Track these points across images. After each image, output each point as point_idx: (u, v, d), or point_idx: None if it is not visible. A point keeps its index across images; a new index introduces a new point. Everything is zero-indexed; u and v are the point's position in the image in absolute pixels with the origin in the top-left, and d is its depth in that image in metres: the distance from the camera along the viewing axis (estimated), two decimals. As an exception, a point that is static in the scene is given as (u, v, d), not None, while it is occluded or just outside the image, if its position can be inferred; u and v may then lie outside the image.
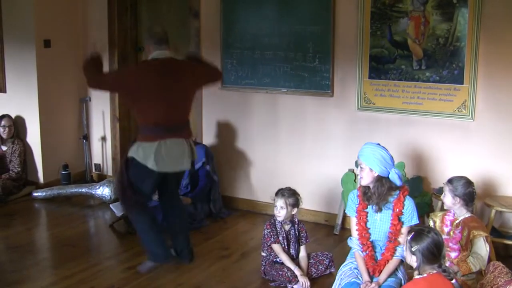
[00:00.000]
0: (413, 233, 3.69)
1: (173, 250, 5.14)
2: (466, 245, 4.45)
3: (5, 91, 7.69)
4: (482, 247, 4.45)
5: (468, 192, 4.54)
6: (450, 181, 4.61)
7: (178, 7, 7.35)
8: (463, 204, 4.55)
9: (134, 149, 4.85)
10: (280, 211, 5.11)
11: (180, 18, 7.30)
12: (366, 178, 4.39)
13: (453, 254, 4.44)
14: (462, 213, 4.56)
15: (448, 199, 4.58)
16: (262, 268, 5.18)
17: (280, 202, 5.11)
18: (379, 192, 4.37)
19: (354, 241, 4.55)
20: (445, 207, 4.72)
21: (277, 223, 5.18)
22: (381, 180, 4.35)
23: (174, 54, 5.04)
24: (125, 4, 7.60)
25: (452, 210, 4.61)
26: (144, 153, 4.78)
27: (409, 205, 4.41)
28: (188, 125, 5.09)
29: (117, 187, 5.15)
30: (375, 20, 5.82)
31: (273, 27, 6.37)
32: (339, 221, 6.15)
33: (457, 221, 4.55)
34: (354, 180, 5.86)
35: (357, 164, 5.81)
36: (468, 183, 4.58)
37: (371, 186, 4.40)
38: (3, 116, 7.45)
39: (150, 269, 5.09)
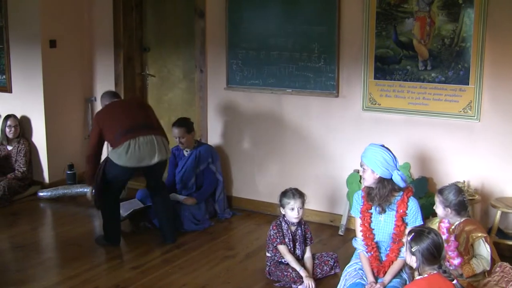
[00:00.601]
0: (413, 234, 3.69)
1: (162, 235, 6.02)
2: (466, 250, 4.44)
3: (10, 91, 7.71)
4: (483, 248, 4.44)
5: (459, 201, 4.52)
6: (440, 191, 4.59)
7: (183, 6, 7.35)
8: (455, 214, 4.53)
9: (110, 153, 5.69)
10: (300, 211, 5.09)
11: (186, 18, 7.31)
12: (368, 179, 4.40)
13: (456, 261, 4.41)
14: (457, 221, 4.55)
15: (439, 210, 4.57)
16: (267, 269, 5.18)
17: (298, 203, 5.09)
18: (380, 193, 4.37)
19: (358, 242, 4.55)
20: (438, 218, 4.71)
21: (283, 224, 5.17)
22: (383, 181, 4.35)
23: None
24: (130, 4, 7.61)
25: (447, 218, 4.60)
26: (118, 154, 5.55)
27: (413, 206, 4.41)
28: (158, 127, 5.95)
29: (96, 183, 5.80)
30: (381, 20, 5.81)
31: (278, 28, 6.37)
32: (344, 221, 6.14)
33: (452, 228, 4.54)
34: (359, 181, 5.85)
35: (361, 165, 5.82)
36: (458, 192, 4.54)
37: (373, 187, 4.39)
38: (9, 116, 7.46)
39: (102, 244, 5.91)
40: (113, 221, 5.91)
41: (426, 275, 3.59)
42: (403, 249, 4.34)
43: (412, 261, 3.66)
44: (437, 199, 4.57)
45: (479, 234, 4.44)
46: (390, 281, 4.35)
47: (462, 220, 4.53)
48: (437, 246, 3.60)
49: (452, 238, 4.45)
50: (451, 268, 4.31)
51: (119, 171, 5.64)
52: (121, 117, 5.72)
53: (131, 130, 5.62)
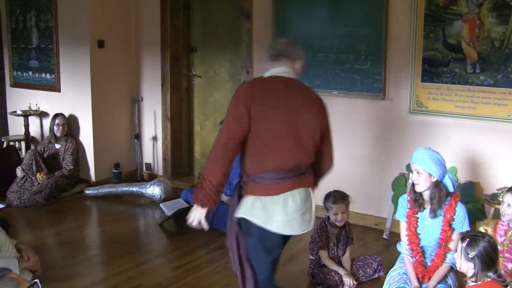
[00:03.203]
0: (468, 240, 3.55)
1: None
2: None
3: (59, 90, 7.83)
4: None
5: None
6: None
7: (230, 8, 7.37)
8: None
9: (248, 205, 3.77)
10: (343, 216, 5.09)
11: (232, 19, 7.33)
12: (423, 184, 4.28)
13: (510, 265, 4.32)
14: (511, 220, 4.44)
15: None
16: (310, 271, 5.16)
17: (341, 208, 5.08)
18: (439, 196, 4.28)
19: (403, 246, 4.49)
20: (504, 218, 4.54)
21: (328, 227, 5.15)
22: (439, 185, 4.27)
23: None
24: (177, 5, 7.66)
25: (503, 218, 4.48)
26: (265, 211, 3.73)
27: (460, 211, 4.34)
28: (311, 168, 3.99)
29: (233, 262, 4.03)
30: (429, 22, 5.74)
31: (324, 29, 6.34)
32: (388, 225, 6.09)
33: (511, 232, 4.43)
34: (405, 184, 5.80)
35: (408, 169, 5.75)
36: None
37: (428, 192, 4.31)
38: (57, 114, 7.57)
39: None
40: None
41: (480, 283, 3.48)
42: (449, 255, 4.28)
43: (470, 268, 3.52)
44: None
45: None
46: (435, 286, 4.29)
47: None
48: (494, 249, 3.49)
49: None
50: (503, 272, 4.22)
51: (267, 239, 3.81)
52: (283, 138, 3.74)
53: (294, 170, 3.79)
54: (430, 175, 4.24)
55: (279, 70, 3.89)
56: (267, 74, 3.93)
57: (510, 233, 4.42)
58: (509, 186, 5.25)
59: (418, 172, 4.31)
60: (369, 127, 6.29)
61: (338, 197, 5.10)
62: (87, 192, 7.39)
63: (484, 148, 5.70)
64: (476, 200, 5.53)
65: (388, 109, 6.13)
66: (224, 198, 6.45)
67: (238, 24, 7.12)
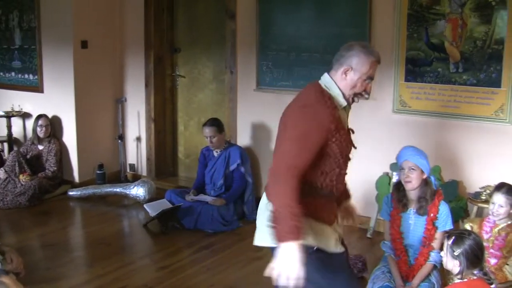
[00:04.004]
0: (453, 237, 3.56)
1: None
2: (510, 253, 4.37)
3: (42, 91, 7.80)
4: None
5: None
6: (509, 191, 4.47)
7: (214, 8, 7.37)
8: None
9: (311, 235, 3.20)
10: None
11: (216, 20, 7.32)
12: (416, 181, 4.30)
13: (493, 261, 4.36)
14: (505, 220, 4.47)
15: (503, 210, 4.46)
16: (295, 271, 5.16)
17: None
18: (430, 194, 4.32)
19: (387, 245, 4.52)
20: (495, 217, 4.55)
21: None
22: (428, 182, 4.32)
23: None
24: (161, 5, 7.65)
25: (492, 217, 4.51)
26: (325, 235, 3.32)
27: (444, 210, 4.36)
28: None
29: None
30: (412, 22, 5.77)
31: (309, 29, 6.35)
32: (372, 224, 6.11)
33: (499, 228, 4.46)
34: (389, 184, 5.82)
35: (392, 168, 5.78)
36: None
37: (416, 191, 4.34)
38: (40, 115, 7.54)
39: None
40: None
41: (466, 280, 3.50)
42: (432, 253, 4.30)
43: (455, 266, 3.54)
44: (503, 199, 4.44)
45: None
46: (419, 285, 4.30)
47: (510, 223, 4.46)
48: (480, 247, 3.50)
49: (501, 238, 4.38)
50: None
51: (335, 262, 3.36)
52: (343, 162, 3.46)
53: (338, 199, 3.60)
54: (422, 171, 4.28)
55: None
56: None
57: (496, 230, 4.46)
58: (493, 184, 5.30)
59: (412, 169, 4.33)
60: (353, 126, 6.26)
61: None
62: (70, 193, 7.36)
63: (467, 147, 5.73)
64: (459, 198, 5.56)
65: (372, 109, 6.15)
66: (208, 199, 6.46)
67: (222, 24, 7.12)
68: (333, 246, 3.31)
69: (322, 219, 3.28)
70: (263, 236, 3.32)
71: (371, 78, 3.32)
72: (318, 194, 3.26)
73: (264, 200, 3.31)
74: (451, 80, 5.67)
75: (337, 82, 3.31)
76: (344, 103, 3.32)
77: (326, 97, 3.23)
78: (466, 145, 5.74)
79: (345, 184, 3.63)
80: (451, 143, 5.79)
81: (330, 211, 3.35)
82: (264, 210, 3.27)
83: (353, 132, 3.55)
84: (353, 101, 3.38)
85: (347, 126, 3.48)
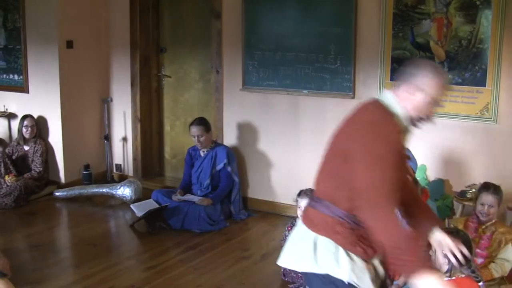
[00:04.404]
0: None
1: None
2: (496, 251, 4.39)
3: (27, 92, 7.75)
4: (510, 253, 4.39)
5: (501, 197, 4.50)
6: (496, 190, 4.50)
7: (200, 7, 7.36)
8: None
9: (348, 268, 2.92)
10: None
11: (202, 19, 7.31)
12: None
13: (479, 260, 4.38)
14: (490, 219, 4.50)
15: (494, 210, 4.49)
16: (282, 270, 5.17)
17: (304, 202, 5.10)
18: (419, 192, 4.34)
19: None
20: (484, 218, 4.57)
21: (298, 224, 5.18)
22: (417, 181, 4.34)
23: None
24: (146, 4, 7.62)
25: (482, 218, 4.53)
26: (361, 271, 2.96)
27: (429, 209, 4.38)
28: None
29: None
30: (398, 22, 5.79)
31: (295, 29, 6.36)
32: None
33: (484, 227, 4.49)
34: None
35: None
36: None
37: None
38: (26, 116, 7.50)
39: None
40: None
41: (454, 278, 3.51)
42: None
43: (444, 264, 3.55)
44: (493, 199, 4.46)
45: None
46: (406, 283, 4.32)
47: (494, 221, 4.49)
48: (468, 245, 3.52)
49: (486, 237, 4.41)
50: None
51: None
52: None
53: None
54: (414, 171, 4.31)
55: None
56: None
57: (480, 229, 4.49)
58: (479, 183, 5.34)
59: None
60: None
61: (307, 192, 5.14)
62: (57, 194, 7.33)
63: (453, 146, 5.76)
64: (445, 197, 5.59)
65: (358, 108, 6.16)
66: (195, 199, 6.46)
67: (208, 24, 7.11)
68: (367, 285, 2.94)
69: (360, 251, 2.95)
70: (292, 259, 3.12)
71: (437, 102, 2.99)
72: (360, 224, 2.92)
73: (303, 228, 3.07)
74: (436, 79, 5.68)
75: (401, 102, 2.98)
76: (407, 125, 3.01)
77: (391, 116, 2.93)
78: (451, 144, 5.77)
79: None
80: (437, 142, 5.81)
81: (368, 244, 2.95)
82: (302, 237, 3.04)
83: (409, 158, 3.29)
84: (414, 125, 3.04)
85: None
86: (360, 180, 2.78)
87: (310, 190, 5.19)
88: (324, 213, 2.97)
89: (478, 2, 5.39)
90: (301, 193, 5.17)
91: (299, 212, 5.13)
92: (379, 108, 2.96)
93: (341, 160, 2.94)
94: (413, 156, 4.49)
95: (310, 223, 3.03)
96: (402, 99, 2.97)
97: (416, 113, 2.97)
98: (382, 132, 2.83)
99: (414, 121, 3.00)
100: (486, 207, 4.45)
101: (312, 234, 2.99)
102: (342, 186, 2.91)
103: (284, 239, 5.18)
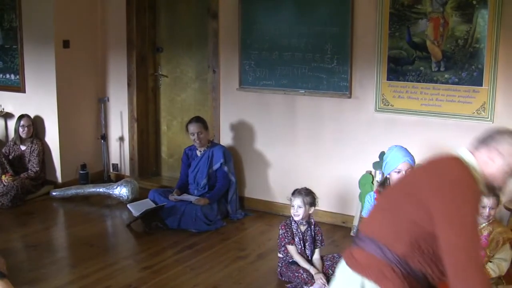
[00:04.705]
0: None
1: None
2: (494, 251, 4.39)
3: (24, 91, 7.74)
4: (508, 253, 4.39)
5: (499, 197, 4.50)
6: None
7: (196, 7, 7.36)
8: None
9: None
10: (298, 210, 5.11)
11: (199, 19, 7.31)
12: None
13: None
14: (488, 220, 4.49)
15: (494, 211, 4.48)
16: (279, 269, 5.17)
17: (297, 201, 5.11)
18: None
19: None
20: (485, 220, 4.55)
21: (293, 224, 5.18)
22: None
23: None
24: (143, 4, 7.62)
25: (481, 219, 4.52)
26: None
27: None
28: None
29: None
30: (394, 21, 5.79)
31: (291, 28, 6.36)
32: (356, 222, 6.13)
33: (481, 227, 4.49)
34: (372, 182, 5.84)
35: (375, 166, 5.81)
36: None
37: None
38: (22, 116, 7.49)
39: None
40: None
41: None
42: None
43: None
44: (494, 201, 4.45)
45: (511, 237, 4.40)
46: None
47: (491, 221, 4.49)
48: None
49: (483, 237, 4.41)
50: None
51: None
52: None
53: None
54: None
55: None
56: None
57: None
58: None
59: (404, 172, 4.39)
60: (336, 125, 6.32)
61: (300, 191, 5.15)
62: (53, 193, 7.32)
63: (449, 145, 5.75)
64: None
65: (354, 108, 6.17)
66: (192, 198, 6.45)
67: (205, 24, 7.11)
68: None
69: None
70: None
71: None
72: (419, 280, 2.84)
73: (347, 271, 2.93)
74: (433, 78, 5.70)
75: (480, 165, 2.88)
76: (482, 189, 2.87)
77: (475, 178, 2.81)
78: (448, 143, 5.76)
79: None
80: (433, 141, 5.81)
81: None
82: (347, 282, 2.92)
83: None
84: (487, 191, 2.93)
85: None
86: (448, 242, 2.67)
87: (305, 189, 5.20)
88: (374, 254, 2.84)
89: (474, 2, 5.40)
90: (295, 192, 5.18)
91: (293, 211, 5.15)
92: (464, 168, 2.83)
93: (412, 207, 2.81)
94: (412, 157, 4.49)
95: (356, 264, 2.89)
96: (481, 163, 2.87)
97: (491, 179, 2.87)
98: (469, 194, 2.72)
99: (488, 187, 2.90)
100: (487, 209, 4.45)
101: (358, 279, 2.86)
102: (403, 230, 2.80)
103: (279, 238, 5.19)
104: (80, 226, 6.46)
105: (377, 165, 5.78)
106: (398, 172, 4.49)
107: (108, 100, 7.92)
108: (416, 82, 5.78)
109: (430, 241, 2.73)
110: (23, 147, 7.51)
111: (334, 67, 6.16)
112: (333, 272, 5.10)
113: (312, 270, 4.98)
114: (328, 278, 5.00)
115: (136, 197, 6.99)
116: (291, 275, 5.01)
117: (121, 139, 7.94)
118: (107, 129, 7.98)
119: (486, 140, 2.92)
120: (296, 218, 5.15)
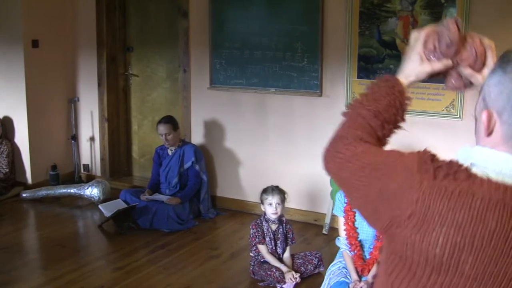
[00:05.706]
0: None
1: None
2: None
3: (-7, 92, 7.67)
4: None
5: None
6: None
7: (166, 6, 7.34)
8: None
9: None
10: (277, 207, 5.12)
11: (169, 18, 7.30)
12: None
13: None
14: None
15: None
16: (251, 268, 5.19)
17: (276, 199, 5.12)
18: None
19: (342, 241, 4.56)
20: None
21: (263, 223, 5.19)
22: None
23: None
24: (113, 3, 7.58)
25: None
26: None
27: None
28: None
29: None
30: (364, 20, 5.83)
31: (262, 27, 6.37)
32: (327, 220, 6.16)
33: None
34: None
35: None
36: None
37: None
38: (-9, 116, 7.43)
39: None
40: None
41: None
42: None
43: None
44: None
45: None
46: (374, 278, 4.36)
47: None
48: None
49: None
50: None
51: None
52: None
53: None
54: None
55: None
56: None
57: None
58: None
59: None
60: (307, 124, 6.35)
61: (274, 189, 5.17)
62: (24, 195, 7.26)
63: (419, 143, 5.80)
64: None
65: (325, 106, 6.20)
66: (164, 198, 6.44)
67: (175, 23, 7.10)
68: None
69: None
70: None
71: None
72: None
73: None
74: (402, 76, 5.73)
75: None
76: None
77: None
78: (418, 140, 5.81)
79: None
80: (402, 139, 5.83)
81: None
82: None
83: None
84: None
85: None
86: None
87: (277, 186, 5.22)
88: None
89: (443, 1, 5.45)
90: (268, 190, 5.19)
91: (271, 210, 5.15)
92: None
93: None
94: None
95: None
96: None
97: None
98: None
99: None
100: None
101: None
102: None
103: (250, 238, 5.20)
104: (51, 228, 6.42)
105: (348, 163, 5.80)
106: None
107: (79, 100, 7.88)
108: (386, 80, 5.81)
109: None
110: (-8, 148, 7.44)
111: (305, 66, 6.19)
112: (305, 269, 5.15)
113: (283, 268, 5.00)
114: (300, 276, 5.04)
115: (107, 197, 6.96)
116: (264, 273, 5.03)
117: (92, 139, 7.89)
118: (77, 130, 7.93)
119: None
120: (273, 217, 5.16)
